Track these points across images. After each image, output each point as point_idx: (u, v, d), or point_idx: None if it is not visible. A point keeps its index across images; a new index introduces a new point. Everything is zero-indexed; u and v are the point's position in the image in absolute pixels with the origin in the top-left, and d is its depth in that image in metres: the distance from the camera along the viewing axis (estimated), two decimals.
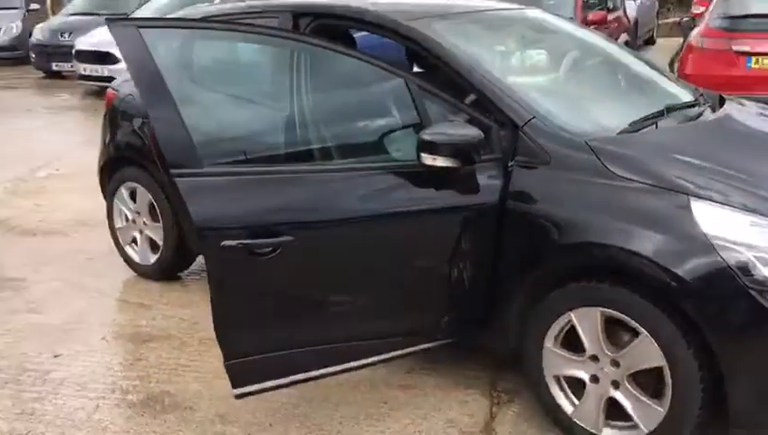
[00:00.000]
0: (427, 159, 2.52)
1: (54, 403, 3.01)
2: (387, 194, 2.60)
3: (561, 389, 2.75)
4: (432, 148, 2.50)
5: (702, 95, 3.50)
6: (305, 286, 2.53)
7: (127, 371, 3.27)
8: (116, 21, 2.37)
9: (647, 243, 2.43)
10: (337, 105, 2.90)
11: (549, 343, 2.70)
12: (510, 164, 2.73)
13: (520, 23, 3.66)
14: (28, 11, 15.28)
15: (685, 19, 9.17)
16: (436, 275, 2.72)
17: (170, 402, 2.99)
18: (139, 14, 10.70)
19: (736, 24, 7.56)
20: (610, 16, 9.72)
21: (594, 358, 2.63)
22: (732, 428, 2.45)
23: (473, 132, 2.58)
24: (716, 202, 2.42)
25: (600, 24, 8.86)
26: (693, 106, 3.28)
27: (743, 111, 3.37)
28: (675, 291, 2.38)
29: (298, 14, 3.36)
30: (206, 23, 3.27)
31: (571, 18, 7.17)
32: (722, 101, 3.45)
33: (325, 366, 2.65)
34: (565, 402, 2.74)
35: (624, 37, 10.00)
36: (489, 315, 2.82)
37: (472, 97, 2.86)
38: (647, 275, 2.43)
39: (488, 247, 2.71)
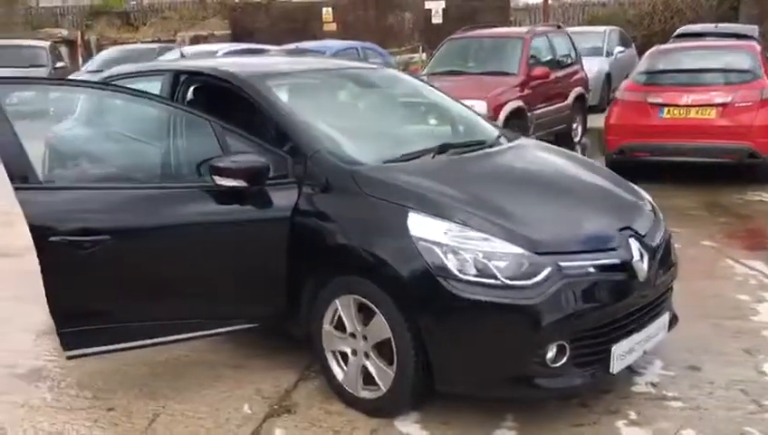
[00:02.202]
0: (219, 180, 3.35)
1: None
2: (193, 207, 3.42)
3: (337, 362, 3.50)
4: (220, 171, 3.33)
5: (502, 136, 4.28)
6: (124, 274, 3.33)
7: None
8: None
9: (376, 244, 3.23)
10: (157, 139, 3.77)
11: (326, 325, 3.47)
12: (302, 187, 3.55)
13: (349, 78, 4.53)
14: (55, 69, 16.45)
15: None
16: (239, 272, 3.51)
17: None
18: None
19: (652, 78, 8.34)
20: (561, 72, 10.49)
21: (353, 335, 3.39)
22: (437, 385, 3.19)
23: (257, 161, 3.42)
24: (427, 214, 3.20)
25: (543, 80, 9.67)
26: (478, 144, 4.07)
27: (521, 150, 4.13)
28: (392, 279, 3.16)
29: (177, 72, 4.27)
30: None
31: None
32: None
33: (150, 338, 3.45)
34: (339, 372, 3.49)
35: (577, 92, 10.76)
36: (291, 306, 3.59)
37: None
38: (376, 268, 3.21)
39: (283, 251, 3.50)
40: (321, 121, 3.85)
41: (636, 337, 3.34)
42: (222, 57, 7.97)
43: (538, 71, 9.68)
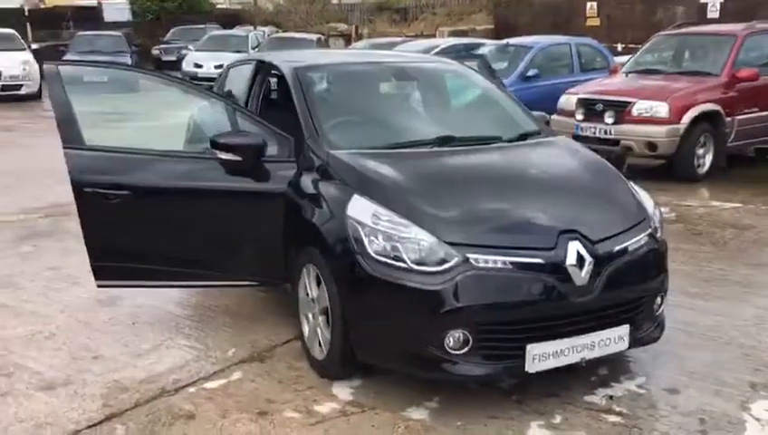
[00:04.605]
0: (218, 154, 3.93)
1: None
2: (202, 174, 4.03)
3: (307, 324, 3.90)
4: (218, 146, 3.90)
5: (534, 135, 4.30)
6: (143, 224, 4.05)
7: None
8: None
9: (326, 219, 3.60)
10: (180, 119, 4.43)
11: (301, 292, 3.90)
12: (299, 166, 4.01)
13: (391, 71, 4.81)
14: None
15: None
16: (240, 235, 4.05)
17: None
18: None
19: None
20: None
21: (314, 300, 3.77)
22: (357, 354, 3.47)
23: (252, 139, 3.93)
24: (366, 197, 3.47)
25: (752, 83, 8.79)
26: (490, 139, 4.16)
27: (531, 149, 4.14)
28: (329, 251, 3.51)
29: (258, 61, 4.97)
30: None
31: None
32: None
33: (167, 281, 4.16)
34: (306, 331, 3.89)
35: None
36: (286, 270, 4.08)
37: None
38: (321, 241, 3.58)
39: (279, 221, 3.99)
40: (335, 109, 4.25)
41: (566, 342, 3.29)
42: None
43: (746, 72, 8.80)
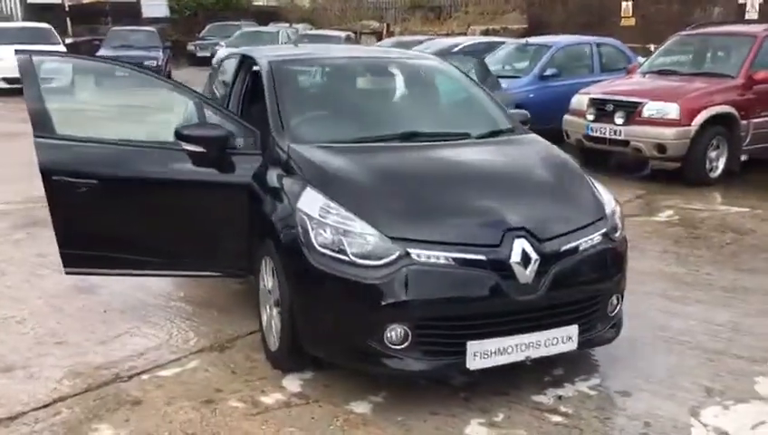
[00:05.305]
0: (183, 145, 3.98)
1: None
2: (167, 165, 4.07)
3: (265, 315, 3.91)
4: (182, 137, 3.95)
5: (506, 132, 4.28)
6: (111, 213, 4.11)
7: None
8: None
9: (279, 211, 3.62)
10: (151, 111, 4.48)
11: (261, 283, 3.93)
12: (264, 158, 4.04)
13: (365, 67, 4.81)
14: None
15: None
16: (204, 226, 4.09)
17: None
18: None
19: None
20: None
21: (270, 292, 3.79)
22: (304, 346, 3.48)
23: (217, 132, 3.97)
24: (318, 190, 3.48)
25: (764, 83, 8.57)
26: (458, 136, 4.14)
27: (496, 146, 4.11)
28: (279, 242, 3.53)
29: (242, 55, 5.02)
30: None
31: None
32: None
33: (134, 269, 4.22)
34: (264, 323, 3.91)
35: None
36: (251, 261, 4.11)
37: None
38: (274, 232, 3.60)
39: (243, 213, 4.03)
40: (306, 103, 4.28)
41: (509, 339, 3.26)
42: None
43: (763, 74, 8.57)
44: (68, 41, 20.21)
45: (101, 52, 18.75)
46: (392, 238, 3.23)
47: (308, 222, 3.38)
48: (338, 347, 3.40)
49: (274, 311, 3.69)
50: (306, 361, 3.64)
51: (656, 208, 7.23)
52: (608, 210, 3.68)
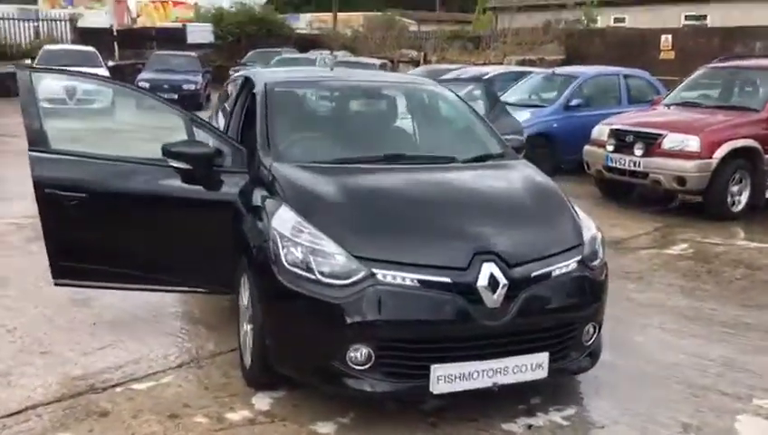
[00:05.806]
0: (169, 162, 4.04)
1: None
2: (155, 182, 4.13)
3: (243, 332, 3.92)
4: (169, 154, 4.01)
5: (494, 158, 4.25)
6: (100, 227, 4.18)
7: None
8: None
9: (254, 229, 3.64)
10: (140, 130, 4.55)
11: (241, 301, 3.94)
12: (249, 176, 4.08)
13: (361, 91, 4.83)
14: None
15: None
16: (190, 243, 4.13)
17: None
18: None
19: None
20: None
21: (246, 307, 3.80)
22: (272, 363, 3.47)
23: (202, 149, 4.03)
24: (292, 209, 3.49)
25: None
26: (444, 160, 4.13)
27: (481, 171, 4.09)
28: (252, 259, 3.55)
29: (245, 77, 5.10)
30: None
31: None
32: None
33: (121, 283, 4.27)
34: (241, 338, 3.91)
35: None
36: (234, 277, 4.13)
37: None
38: (248, 249, 3.62)
39: (228, 230, 4.06)
40: (296, 124, 4.32)
41: (475, 365, 3.21)
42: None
43: None
44: (110, 63, 20.75)
45: (142, 75, 19.24)
46: (359, 258, 3.23)
47: (279, 240, 3.39)
48: (303, 366, 3.39)
49: (248, 328, 3.70)
50: (280, 378, 3.62)
51: (670, 241, 7.08)
52: (586, 237, 3.61)
